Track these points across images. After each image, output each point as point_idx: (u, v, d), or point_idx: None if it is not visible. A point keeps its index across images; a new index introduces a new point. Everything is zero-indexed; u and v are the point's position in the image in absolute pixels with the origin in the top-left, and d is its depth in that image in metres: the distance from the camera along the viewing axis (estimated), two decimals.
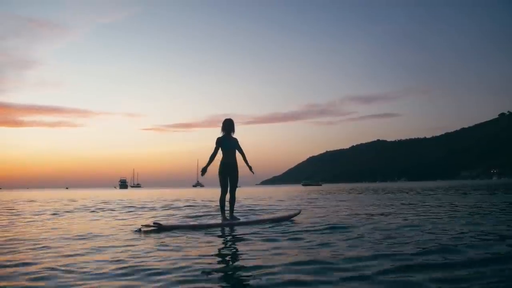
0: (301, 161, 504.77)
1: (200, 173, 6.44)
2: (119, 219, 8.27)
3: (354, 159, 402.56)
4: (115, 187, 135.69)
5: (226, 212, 6.75)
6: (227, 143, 6.61)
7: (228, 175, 6.63)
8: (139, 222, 7.10)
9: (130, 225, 7.01)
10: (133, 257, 3.88)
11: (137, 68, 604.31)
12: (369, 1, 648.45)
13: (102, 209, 11.81)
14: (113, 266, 3.48)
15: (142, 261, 3.69)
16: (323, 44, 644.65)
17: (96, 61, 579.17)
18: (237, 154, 6.68)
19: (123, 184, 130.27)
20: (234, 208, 6.93)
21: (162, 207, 12.47)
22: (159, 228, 5.92)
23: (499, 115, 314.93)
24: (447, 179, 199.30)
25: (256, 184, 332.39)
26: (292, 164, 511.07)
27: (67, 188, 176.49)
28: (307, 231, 5.44)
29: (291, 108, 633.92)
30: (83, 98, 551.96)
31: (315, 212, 8.70)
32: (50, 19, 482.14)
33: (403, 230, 5.24)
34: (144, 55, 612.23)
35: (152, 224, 6.02)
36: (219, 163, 6.60)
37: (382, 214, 7.69)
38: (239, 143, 6.74)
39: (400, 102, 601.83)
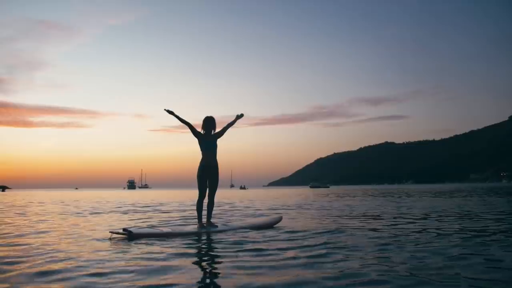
0: (309, 163, 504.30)
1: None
2: (98, 223, 7.92)
3: (362, 161, 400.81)
4: (124, 188, 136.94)
5: (204, 217, 6.25)
6: (207, 143, 6.07)
7: (208, 178, 6.09)
8: (121, 226, 6.88)
9: (111, 226, 7.04)
10: (89, 270, 3.51)
11: (145, 69, 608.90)
12: (377, 5, 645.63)
13: (97, 211, 11.98)
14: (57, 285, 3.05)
15: (98, 278, 3.29)
16: (331, 46, 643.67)
17: (104, 63, 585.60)
18: (218, 155, 6.20)
19: (131, 185, 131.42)
20: (213, 213, 6.33)
21: (155, 209, 12.48)
22: (129, 236, 5.38)
23: (508, 117, 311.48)
24: (456, 182, 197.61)
25: (264, 186, 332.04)
26: (300, 166, 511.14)
27: (76, 188, 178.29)
28: (272, 246, 4.67)
29: (299, 110, 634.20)
30: (91, 99, 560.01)
31: (299, 220, 8.00)
32: (60, 21, 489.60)
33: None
34: (152, 57, 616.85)
35: (121, 232, 5.47)
36: (198, 165, 6.09)
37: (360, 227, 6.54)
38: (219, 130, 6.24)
39: (408, 104, 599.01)
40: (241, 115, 6.34)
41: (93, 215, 10.30)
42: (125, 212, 11.24)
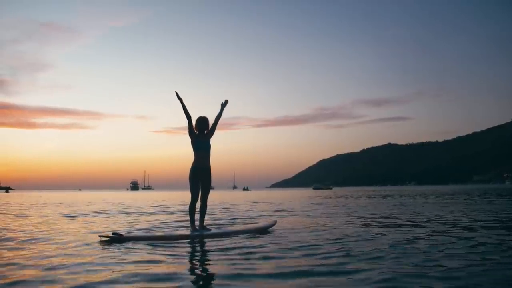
0: (311, 164, 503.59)
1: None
2: (95, 225, 7.81)
3: (365, 162, 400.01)
4: (127, 189, 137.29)
5: (196, 221, 6.05)
6: (201, 143, 5.84)
7: (200, 181, 5.90)
8: (120, 228, 6.81)
9: (107, 228, 7.00)
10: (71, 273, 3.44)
11: (148, 70, 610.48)
12: (377, 6, 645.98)
13: (98, 212, 11.91)
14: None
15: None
16: (333, 48, 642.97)
17: (107, 64, 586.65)
18: (212, 158, 5.99)
19: (134, 186, 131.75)
20: (205, 217, 6.18)
21: (153, 211, 12.43)
22: (119, 239, 5.27)
23: (511, 118, 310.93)
24: (459, 184, 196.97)
25: (266, 187, 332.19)
26: (303, 168, 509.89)
27: (80, 190, 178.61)
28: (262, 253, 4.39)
29: (301, 111, 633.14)
30: (94, 100, 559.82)
31: (295, 224, 7.67)
32: (62, 23, 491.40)
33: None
34: (155, 58, 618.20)
35: (111, 235, 5.35)
36: (190, 167, 5.89)
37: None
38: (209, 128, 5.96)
39: (412, 105, 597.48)
40: (226, 102, 6.12)
41: (93, 217, 10.28)
42: (125, 214, 11.20)
